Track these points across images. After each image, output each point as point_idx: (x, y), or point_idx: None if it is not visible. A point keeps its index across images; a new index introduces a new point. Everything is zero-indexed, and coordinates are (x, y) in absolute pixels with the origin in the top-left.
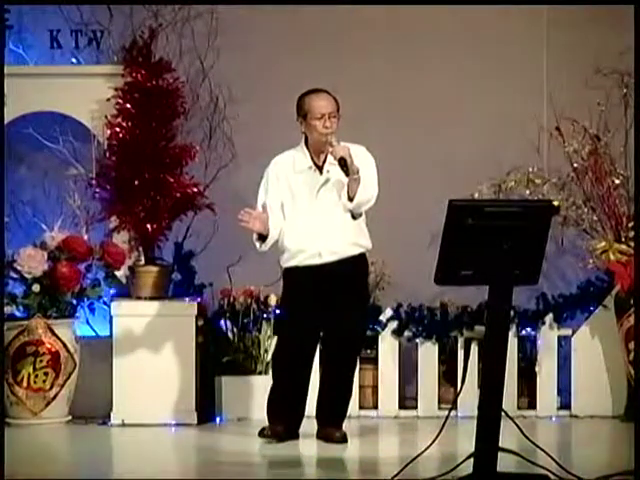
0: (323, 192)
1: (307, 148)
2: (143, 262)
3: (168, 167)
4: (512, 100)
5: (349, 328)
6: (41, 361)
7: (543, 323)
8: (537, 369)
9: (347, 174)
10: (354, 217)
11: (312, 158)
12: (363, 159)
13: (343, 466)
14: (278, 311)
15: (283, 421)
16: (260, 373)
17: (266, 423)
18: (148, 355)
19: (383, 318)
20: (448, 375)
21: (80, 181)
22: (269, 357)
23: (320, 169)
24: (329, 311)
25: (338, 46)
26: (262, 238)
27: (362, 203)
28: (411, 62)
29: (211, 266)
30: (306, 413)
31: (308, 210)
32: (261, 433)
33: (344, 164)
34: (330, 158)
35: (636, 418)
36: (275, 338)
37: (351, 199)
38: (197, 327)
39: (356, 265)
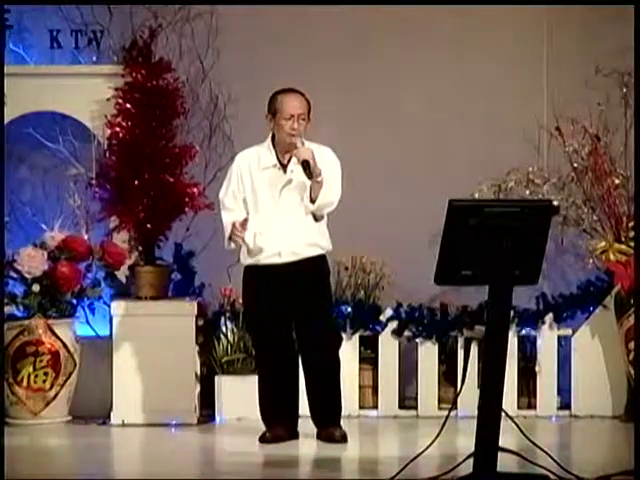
0: (286, 192)
1: (273, 146)
2: (143, 262)
3: (168, 167)
4: (512, 100)
5: (316, 328)
6: (41, 361)
7: (543, 323)
8: (537, 369)
9: (310, 177)
10: (316, 219)
11: (277, 156)
12: (327, 161)
13: (343, 466)
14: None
15: (280, 423)
16: None
17: None
18: (148, 355)
19: (383, 318)
20: (448, 375)
21: (80, 181)
22: None
23: (284, 168)
24: (290, 311)
25: (338, 46)
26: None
27: (324, 206)
28: (411, 62)
29: (211, 266)
30: (304, 413)
31: (270, 209)
32: (262, 439)
33: (307, 166)
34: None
35: (636, 418)
36: None
37: (313, 201)
38: (197, 327)
39: (316, 266)
